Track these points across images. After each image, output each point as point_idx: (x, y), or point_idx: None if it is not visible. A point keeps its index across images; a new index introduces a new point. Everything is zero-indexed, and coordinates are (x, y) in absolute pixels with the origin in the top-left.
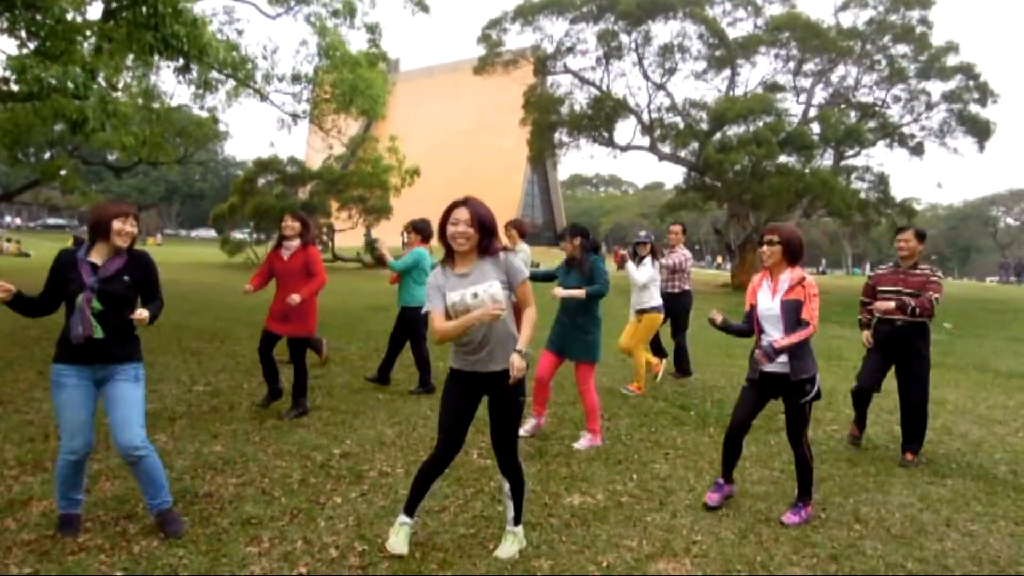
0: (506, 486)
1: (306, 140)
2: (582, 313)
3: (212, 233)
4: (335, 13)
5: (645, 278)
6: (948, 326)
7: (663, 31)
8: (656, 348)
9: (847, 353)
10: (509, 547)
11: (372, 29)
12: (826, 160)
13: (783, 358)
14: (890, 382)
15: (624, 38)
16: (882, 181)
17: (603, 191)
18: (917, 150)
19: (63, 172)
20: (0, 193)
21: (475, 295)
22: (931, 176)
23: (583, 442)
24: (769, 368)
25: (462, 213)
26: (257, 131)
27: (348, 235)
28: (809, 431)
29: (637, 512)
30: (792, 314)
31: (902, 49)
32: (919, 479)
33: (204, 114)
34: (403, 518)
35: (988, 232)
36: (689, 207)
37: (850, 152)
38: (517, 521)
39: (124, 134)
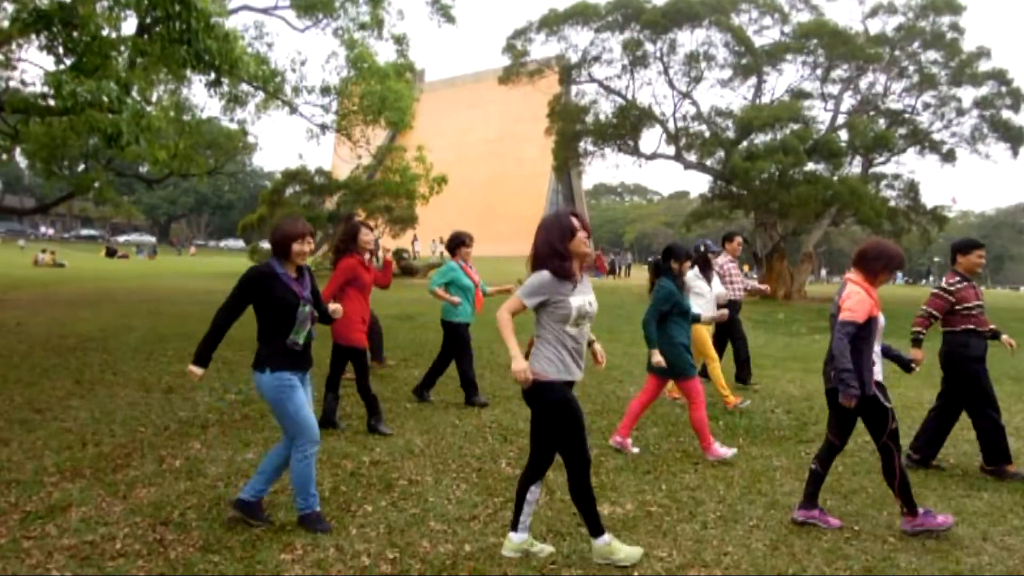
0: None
1: (333, 150)
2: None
3: (240, 243)
4: (363, 26)
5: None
6: None
7: (689, 39)
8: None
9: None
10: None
11: (400, 40)
12: (855, 168)
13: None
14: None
15: (649, 47)
16: (912, 188)
17: (628, 200)
18: (948, 157)
19: (97, 184)
20: (36, 205)
21: (589, 303)
22: (963, 183)
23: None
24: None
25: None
26: (286, 142)
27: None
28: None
29: (667, 522)
30: None
31: (932, 55)
32: (954, 492)
33: (234, 126)
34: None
35: (1022, 240)
36: (715, 216)
37: (879, 159)
38: (593, 533)
39: (157, 148)
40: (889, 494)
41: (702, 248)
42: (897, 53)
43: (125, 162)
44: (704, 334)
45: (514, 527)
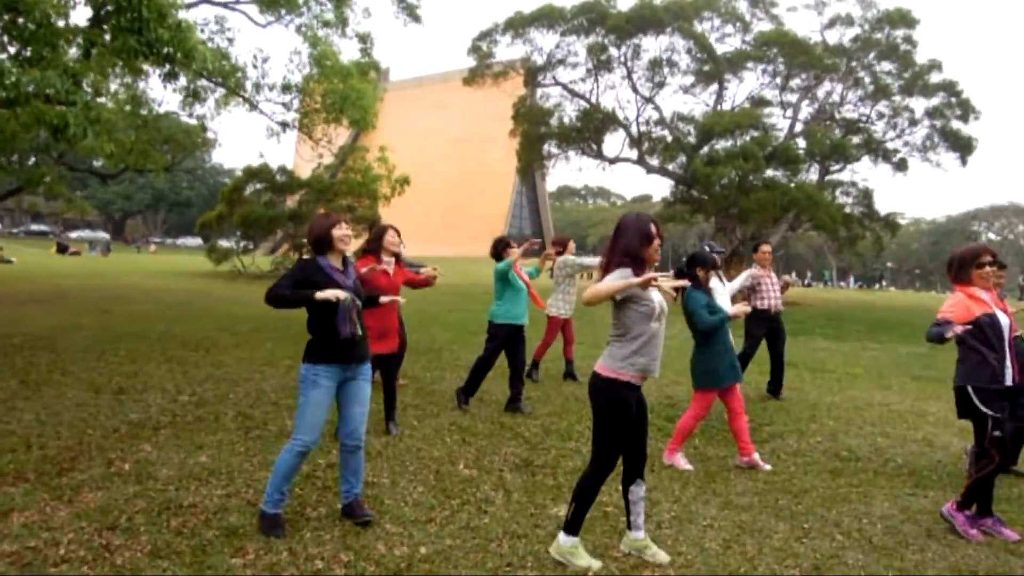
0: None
1: (295, 149)
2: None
3: (198, 241)
4: (326, 23)
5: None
6: None
7: (653, 45)
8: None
9: (830, 364)
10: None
11: (364, 39)
12: (812, 175)
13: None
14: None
15: (614, 51)
16: (866, 196)
17: (592, 203)
18: (901, 165)
19: (47, 179)
20: None
21: (661, 302)
22: (915, 191)
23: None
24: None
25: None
26: (247, 139)
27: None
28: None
29: (622, 523)
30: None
31: (887, 66)
32: (901, 490)
33: (193, 122)
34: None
35: None
36: (677, 220)
37: (835, 167)
38: (567, 529)
39: (106, 141)
40: (839, 493)
41: (707, 249)
42: (853, 64)
43: (78, 156)
44: None
45: (628, 526)
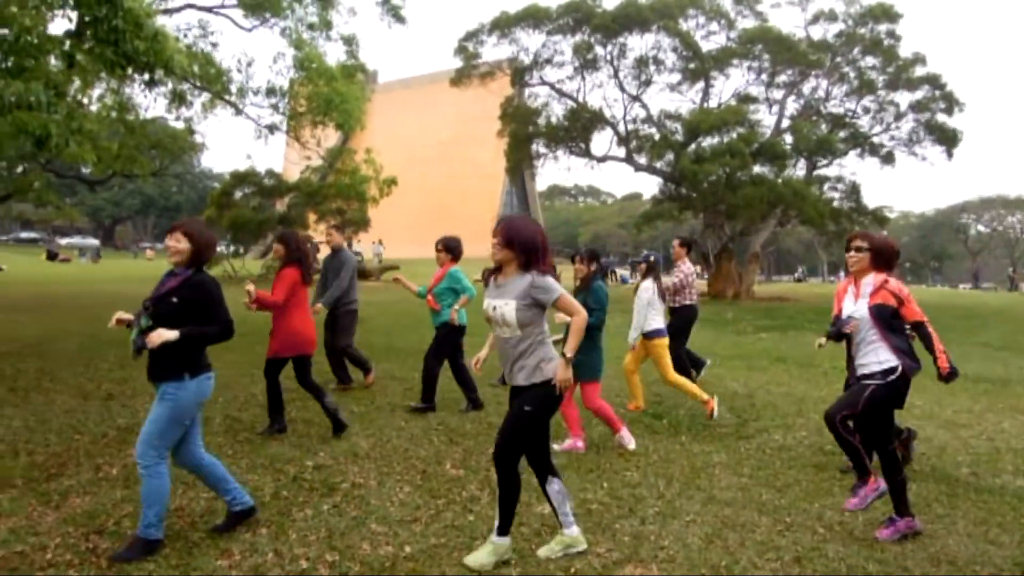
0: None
1: (284, 153)
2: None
3: None
4: (311, 27)
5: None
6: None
7: (638, 44)
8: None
9: (818, 360)
10: (480, 555)
11: (349, 41)
12: (799, 170)
13: (860, 363)
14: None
15: (600, 50)
16: (854, 190)
17: (582, 202)
18: (887, 159)
19: (36, 186)
20: None
21: (494, 308)
22: (903, 185)
23: (567, 443)
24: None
25: (498, 229)
26: (235, 143)
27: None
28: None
29: (607, 519)
30: (885, 320)
31: (871, 61)
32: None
33: (180, 125)
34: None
35: (960, 239)
36: (665, 217)
37: (822, 162)
38: (500, 531)
39: (89, 150)
40: (822, 487)
41: (652, 259)
42: (838, 59)
43: (66, 163)
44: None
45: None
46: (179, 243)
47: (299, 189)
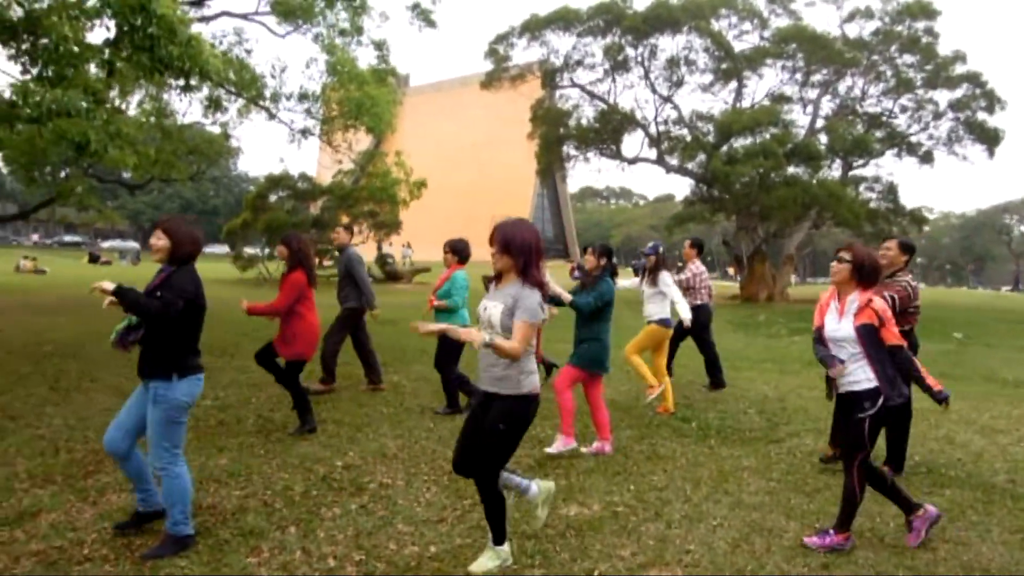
0: (484, 507)
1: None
2: (582, 328)
3: (225, 249)
4: (342, 32)
5: (628, 284)
6: (958, 336)
7: (670, 44)
8: (714, 374)
9: None
10: (485, 561)
11: (380, 46)
12: (834, 171)
13: (849, 379)
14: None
15: (631, 52)
16: (891, 191)
17: (614, 203)
18: (926, 159)
19: (78, 190)
20: (17, 211)
21: (484, 308)
22: (943, 185)
23: (595, 445)
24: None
25: (494, 235)
26: (270, 146)
27: (361, 249)
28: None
29: (632, 523)
30: (870, 339)
31: (908, 59)
32: (917, 489)
33: (216, 130)
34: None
35: (1003, 241)
36: (697, 219)
37: (858, 162)
38: (496, 540)
39: (129, 154)
40: None
41: (661, 249)
42: (874, 57)
43: (106, 168)
44: (648, 333)
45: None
46: (159, 240)
47: (332, 192)
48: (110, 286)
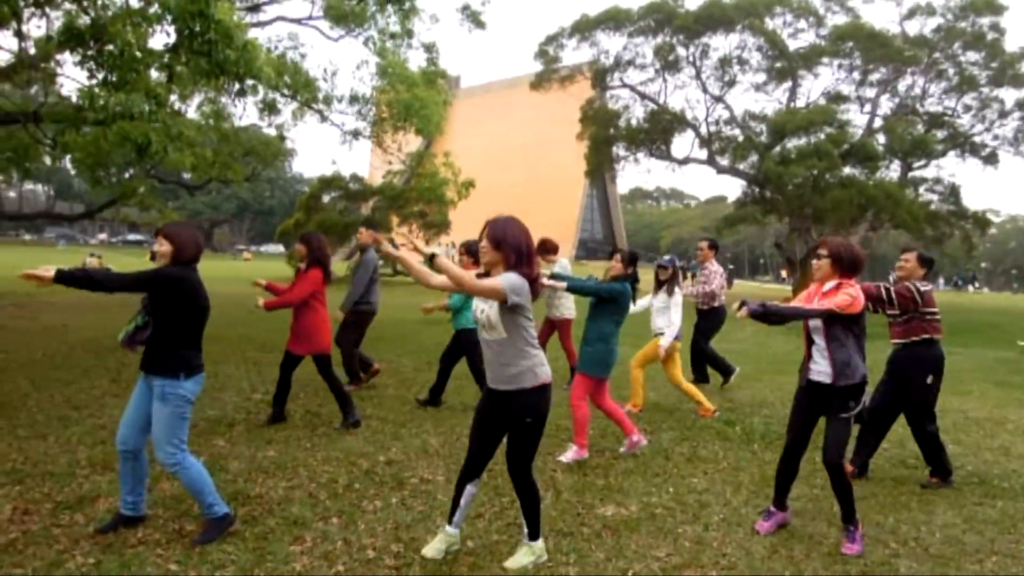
0: (518, 502)
1: (370, 157)
2: (591, 327)
3: (280, 248)
4: (392, 36)
5: (638, 308)
6: (1023, 344)
7: (722, 44)
8: (700, 374)
9: None
10: (521, 558)
11: (429, 48)
12: (892, 172)
13: (825, 366)
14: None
15: (682, 51)
16: (953, 192)
17: (664, 205)
18: (990, 159)
19: (141, 190)
20: (84, 211)
21: (481, 311)
22: (1010, 186)
23: (568, 455)
24: (815, 377)
25: (485, 231)
26: (324, 148)
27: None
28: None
29: (669, 524)
30: (841, 322)
31: (972, 56)
32: (967, 499)
33: (272, 132)
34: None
35: None
36: (749, 221)
37: (918, 163)
38: (532, 536)
39: (187, 155)
40: (899, 500)
41: (678, 263)
42: (936, 55)
43: (167, 169)
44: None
45: (451, 522)
46: (162, 246)
47: (382, 193)
48: (48, 273)
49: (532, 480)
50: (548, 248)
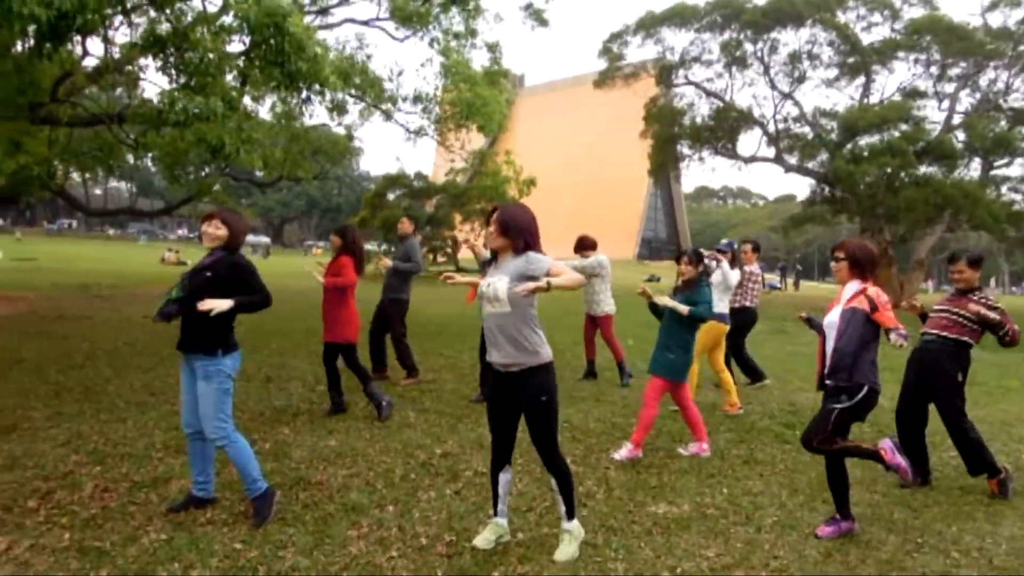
0: (552, 482)
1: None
2: (671, 335)
3: None
4: (456, 36)
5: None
6: None
7: (791, 39)
8: (752, 371)
9: (982, 376)
10: (566, 548)
11: (492, 48)
12: (973, 171)
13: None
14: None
15: (749, 47)
16: None
17: (731, 203)
18: None
19: (215, 188)
20: (163, 207)
21: (488, 284)
22: None
23: (692, 447)
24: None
25: (494, 216)
26: (389, 145)
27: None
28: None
29: (721, 524)
30: (850, 322)
31: None
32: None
33: (341, 131)
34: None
35: None
36: (817, 221)
37: (1000, 161)
38: (569, 515)
39: (257, 157)
40: (964, 510)
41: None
42: (1021, 48)
43: (239, 168)
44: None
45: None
46: (218, 229)
47: (445, 191)
48: (226, 304)
49: (561, 457)
50: (587, 244)
